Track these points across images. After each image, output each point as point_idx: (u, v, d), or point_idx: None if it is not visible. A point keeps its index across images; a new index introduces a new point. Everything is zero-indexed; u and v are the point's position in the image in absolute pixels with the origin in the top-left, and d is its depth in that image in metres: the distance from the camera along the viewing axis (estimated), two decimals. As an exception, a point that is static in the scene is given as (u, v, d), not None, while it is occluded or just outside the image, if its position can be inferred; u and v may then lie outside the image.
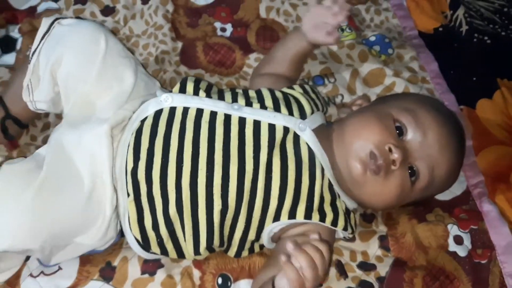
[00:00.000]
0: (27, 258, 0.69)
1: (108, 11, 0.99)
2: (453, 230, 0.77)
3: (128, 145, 0.67)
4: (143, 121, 0.69)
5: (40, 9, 0.98)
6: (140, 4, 1.01)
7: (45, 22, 0.73)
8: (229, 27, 1.00)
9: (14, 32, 0.95)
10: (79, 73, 0.69)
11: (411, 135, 0.69)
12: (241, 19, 1.02)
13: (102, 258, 0.70)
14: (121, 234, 0.70)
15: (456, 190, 0.82)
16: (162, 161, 0.65)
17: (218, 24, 1.00)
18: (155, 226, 0.66)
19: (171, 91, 0.72)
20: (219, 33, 1.00)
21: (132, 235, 0.67)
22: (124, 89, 0.71)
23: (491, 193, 0.82)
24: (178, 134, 0.66)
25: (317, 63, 0.96)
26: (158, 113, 0.69)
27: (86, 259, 0.70)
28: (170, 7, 1.00)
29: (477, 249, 0.76)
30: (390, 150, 0.67)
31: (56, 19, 0.73)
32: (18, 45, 0.93)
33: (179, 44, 0.96)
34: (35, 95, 0.73)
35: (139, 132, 0.68)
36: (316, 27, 0.79)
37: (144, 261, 0.71)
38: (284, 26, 1.02)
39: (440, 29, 1.07)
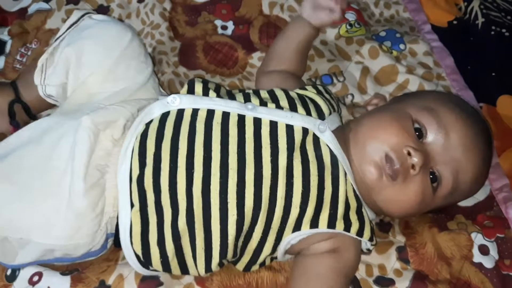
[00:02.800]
0: (14, 278, 0.64)
1: (102, 10, 0.94)
2: (478, 239, 0.71)
3: (133, 151, 0.62)
4: (148, 124, 0.64)
5: (31, 10, 0.94)
6: (135, 3, 0.96)
7: (76, 14, 0.74)
8: (230, 25, 0.95)
9: (3, 35, 0.91)
10: (93, 62, 0.69)
11: (432, 137, 0.63)
12: (243, 16, 0.97)
13: (95, 276, 0.65)
14: (115, 243, 0.64)
15: (479, 195, 0.76)
16: (170, 166, 0.59)
17: (218, 22, 0.95)
18: (161, 241, 0.60)
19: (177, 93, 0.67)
20: (220, 31, 0.94)
21: (132, 250, 0.61)
22: (127, 87, 0.69)
23: (517, 197, 0.76)
24: (187, 137, 0.61)
25: (324, 61, 0.91)
26: (164, 116, 0.64)
27: (77, 278, 0.64)
28: (167, 5, 0.95)
29: (505, 259, 0.70)
30: (409, 153, 0.61)
31: (87, 13, 0.74)
32: (8, 48, 0.89)
33: (178, 44, 0.91)
34: (47, 77, 0.72)
35: (144, 136, 0.62)
36: (316, 9, 0.78)
37: (141, 279, 0.65)
38: (288, 22, 0.96)
39: (455, 22, 1.01)
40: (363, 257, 0.69)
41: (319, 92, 0.72)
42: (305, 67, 0.86)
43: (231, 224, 0.59)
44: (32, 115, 0.77)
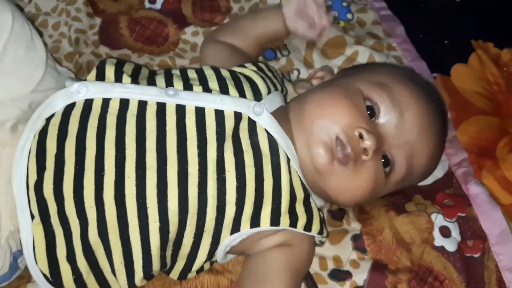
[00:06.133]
0: None
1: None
2: (438, 220, 0.65)
3: (30, 152, 0.51)
4: (49, 120, 0.53)
5: None
6: (46, -26, 0.83)
7: None
8: (159, -2, 0.84)
9: None
10: None
11: (385, 116, 0.56)
12: (173, -13, 0.86)
13: (0, 299, 0.54)
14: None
15: (437, 172, 0.70)
16: (75, 169, 0.49)
17: (145, -5, 0.84)
18: (71, 257, 0.50)
19: (85, 80, 0.56)
20: (147, 5, 0.84)
21: (38, 269, 0.51)
22: (23, 89, 0.55)
23: (477, 172, 0.71)
24: (96, 134, 0.51)
25: (266, 34, 0.81)
26: (69, 109, 0.53)
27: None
28: (84, -23, 0.83)
29: (467, 240, 0.64)
30: (361, 136, 0.54)
31: None
32: None
33: (98, 21, 0.80)
34: None
35: (43, 134, 0.52)
36: (299, 15, 0.70)
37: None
38: (267, 7, 0.86)
39: (404, -12, 0.94)
40: (316, 249, 0.62)
41: (259, 69, 0.64)
42: (258, 55, 0.78)
43: (153, 233, 0.50)
44: None
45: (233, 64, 0.64)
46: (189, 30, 0.82)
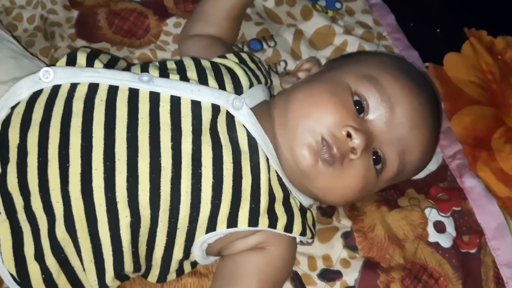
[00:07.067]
0: None
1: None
2: (432, 215, 0.62)
3: None
4: (14, 108, 0.50)
5: None
6: (19, -36, 0.79)
7: None
8: (139, -11, 0.81)
9: None
10: None
11: (374, 112, 0.53)
12: (154, -22, 0.82)
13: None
14: None
15: (430, 164, 0.67)
16: (39, 161, 0.47)
17: (125, -14, 0.81)
18: (39, 255, 0.48)
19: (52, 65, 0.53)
20: (127, -4, 0.80)
21: (5, 268, 0.48)
22: None
23: (472, 164, 0.68)
24: (60, 121, 0.48)
25: (252, 24, 0.79)
26: (35, 96, 0.50)
27: None
28: (60, -32, 0.79)
29: (463, 235, 0.62)
30: (348, 135, 0.51)
31: None
32: None
33: (75, 14, 0.76)
34: None
35: (5, 124, 0.49)
36: None
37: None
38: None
39: (394, -24, 0.91)
40: (305, 248, 0.59)
41: (241, 61, 0.61)
42: (236, 35, 0.74)
43: (123, 228, 0.47)
44: None
45: (213, 55, 0.61)
46: (171, 21, 0.78)
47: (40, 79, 0.50)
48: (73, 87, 0.50)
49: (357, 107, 0.54)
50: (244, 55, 0.63)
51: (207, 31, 0.69)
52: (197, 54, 0.62)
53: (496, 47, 0.82)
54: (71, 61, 0.53)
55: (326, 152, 0.51)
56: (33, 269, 0.48)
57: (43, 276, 0.48)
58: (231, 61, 0.60)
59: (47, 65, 0.51)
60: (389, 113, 0.53)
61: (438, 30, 0.84)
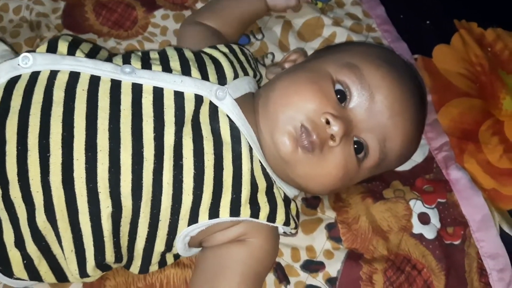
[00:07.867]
0: None
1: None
2: (417, 206, 0.62)
3: None
4: None
5: None
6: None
7: None
8: (127, -20, 0.80)
9: None
10: None
11: (355, 100, 0.53)
12: (142, -31, 0.82)
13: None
14: None
15: (416, 156, 0.67)
16: (18, 150, 0.46)
17: (112, -23, 0.80)
18: (20, 242, 0.48)
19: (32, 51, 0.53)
20: (115, -13, 0.79)
21: None
22: None
23: (459, 156, 0.68)
24: (40, 110, 0.47)
25: (239, 16, 0.78)
26: (13, 82, 0.50)
27: None
28: (47, -42, 0.79)
29: (448, 227, 0.62)
30: (327, 122, 0.50)
31: None
32: None
33: (61, 4, 0.76)
34: None
35: None
36: None
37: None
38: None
39: (384, -33, 0.90)
40: (289, 240, 0.59)
41: (231, 51, 0.61)
42: (238, 38, 0.75)
43: (105, 218, 0.47)
44: None
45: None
46: (158, 13, 0.78)
47: (18, 64, 0.50)
48: (53, 74, 0.49)
49: (340, 96, 0.53)
50: (235, 47, 0.63)
51: (215, 24, 0.70)
52: (195, 43, 0.63)
53: (486, 39, 0.81)
54: (52, 49, 0.53)
55: (305, 139, 0.51)
56: (14, 255, 0.48)
57: (24, 262, 0.48)
58: (219, 51, 0.60)
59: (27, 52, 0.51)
60: (369, 100, 0.53)
61: (428, 22, 0.83)
